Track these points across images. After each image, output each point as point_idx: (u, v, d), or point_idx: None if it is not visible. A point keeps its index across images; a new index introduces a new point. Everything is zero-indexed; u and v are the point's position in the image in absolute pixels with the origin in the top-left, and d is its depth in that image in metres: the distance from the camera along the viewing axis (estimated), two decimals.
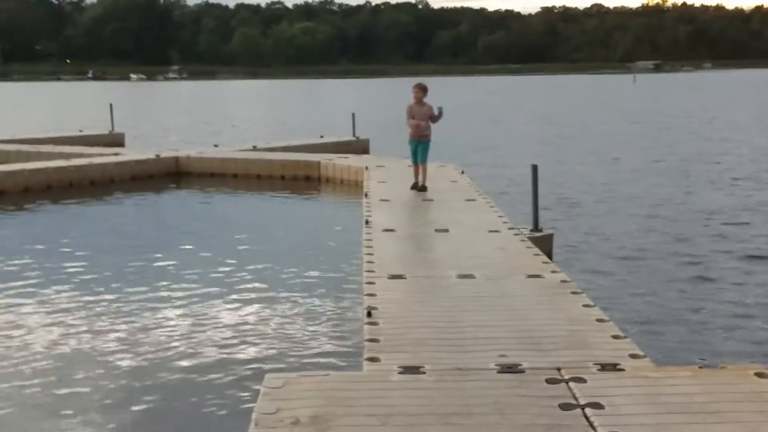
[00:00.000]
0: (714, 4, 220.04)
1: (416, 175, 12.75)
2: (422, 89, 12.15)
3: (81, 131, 27.62)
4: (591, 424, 4.21)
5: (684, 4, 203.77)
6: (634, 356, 5.23)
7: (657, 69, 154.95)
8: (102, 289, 9.27)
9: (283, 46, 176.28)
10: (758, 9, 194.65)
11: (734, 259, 10.56)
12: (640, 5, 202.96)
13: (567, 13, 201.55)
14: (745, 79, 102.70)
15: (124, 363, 6.93)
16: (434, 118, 12.37)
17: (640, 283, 9.53)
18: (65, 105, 60.64)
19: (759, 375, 4.80)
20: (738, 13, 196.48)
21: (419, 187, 12.57)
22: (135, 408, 6.08)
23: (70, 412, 6.01)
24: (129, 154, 20.31)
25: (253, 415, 4.37)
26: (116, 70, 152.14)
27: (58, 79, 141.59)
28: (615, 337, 5.63)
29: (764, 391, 4.59)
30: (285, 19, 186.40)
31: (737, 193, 15.94)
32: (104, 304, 8.69)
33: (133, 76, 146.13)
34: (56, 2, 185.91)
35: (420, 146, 12.39)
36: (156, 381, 6.57)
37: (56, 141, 23.93)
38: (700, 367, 5.11)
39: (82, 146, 22.53)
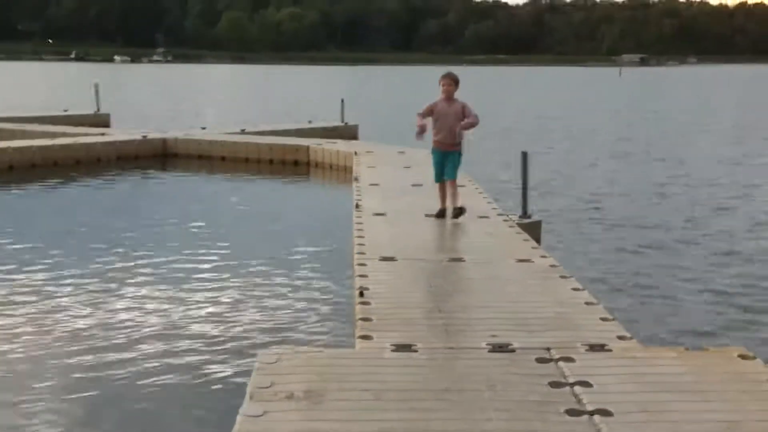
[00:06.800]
0: None
1: (443, 198, 9.42)
2: (455, 81, 9.01)
3: (66, 111, 27.47)
4: (580, 402, 4.31)
5: None
6: (621, 338, 5.34)
7: (642, 63, 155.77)
8: (84, 270, 9.22)
9: (270, 31, 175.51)
10: (742, 5, 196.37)
11: (719, 246, 10.72)
12: None
13: (554, 5, 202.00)
14: (729, 73, 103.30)
15: (114, 342, 6.93)
16: (467, 122, 8.95)
17: (626, 268, 9.67)
18: (49, 85, 60.14)
19: (742, 357, 4.92)
20: (722, 8, 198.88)
21: (455, 212, 9.21)
22: (131, 383, 6.13)
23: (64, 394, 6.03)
24: (115, 134, 20.22)
25: (248, 389, 4.41)
26: (100, 52, 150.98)
27: (41, 59, 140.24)
28: (603, 319, 5.73)
29: (747, 371, 4.70)
30: (272, 4, 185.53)
31: (723, 184, 16.11)
32: (87, 285, 8.63)
33: (117, 57, 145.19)
34: None
35: (449, 158, 9.22)
36: (151, 354, 6.61)
37: (41, 120, 23.80)
38: (686, 349, 5.22)
39: (67, 126, 22.44)
